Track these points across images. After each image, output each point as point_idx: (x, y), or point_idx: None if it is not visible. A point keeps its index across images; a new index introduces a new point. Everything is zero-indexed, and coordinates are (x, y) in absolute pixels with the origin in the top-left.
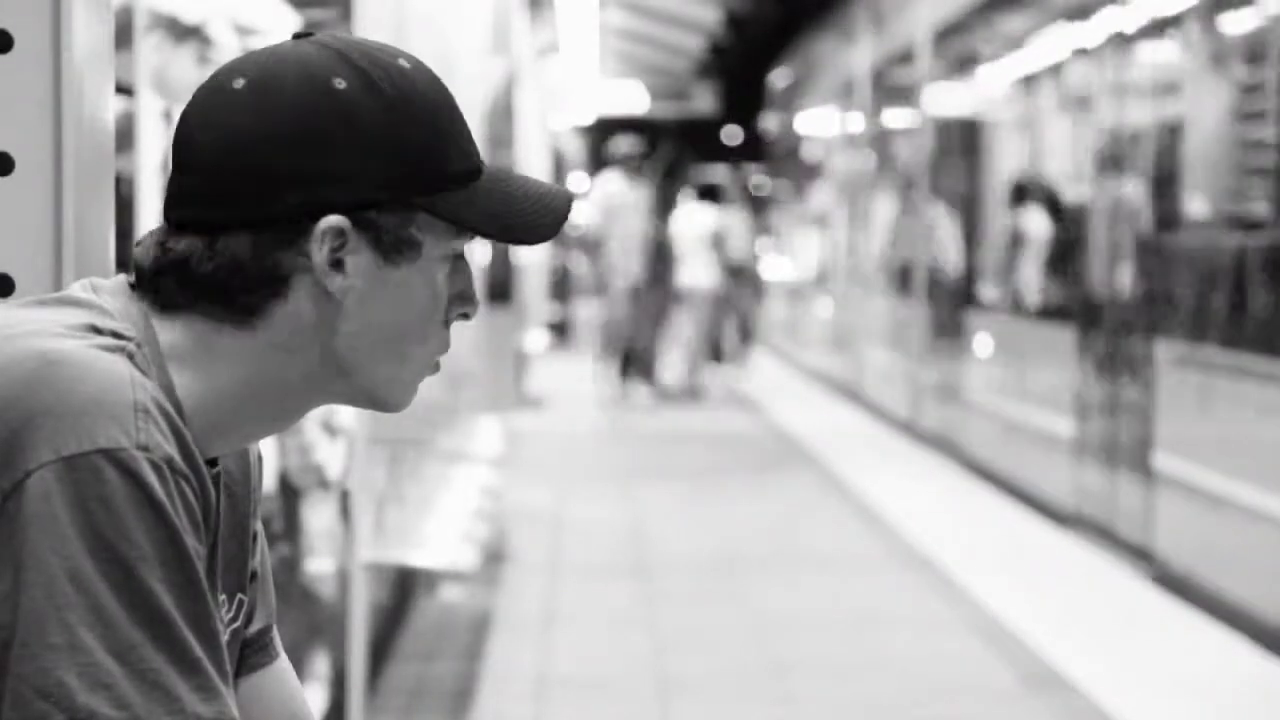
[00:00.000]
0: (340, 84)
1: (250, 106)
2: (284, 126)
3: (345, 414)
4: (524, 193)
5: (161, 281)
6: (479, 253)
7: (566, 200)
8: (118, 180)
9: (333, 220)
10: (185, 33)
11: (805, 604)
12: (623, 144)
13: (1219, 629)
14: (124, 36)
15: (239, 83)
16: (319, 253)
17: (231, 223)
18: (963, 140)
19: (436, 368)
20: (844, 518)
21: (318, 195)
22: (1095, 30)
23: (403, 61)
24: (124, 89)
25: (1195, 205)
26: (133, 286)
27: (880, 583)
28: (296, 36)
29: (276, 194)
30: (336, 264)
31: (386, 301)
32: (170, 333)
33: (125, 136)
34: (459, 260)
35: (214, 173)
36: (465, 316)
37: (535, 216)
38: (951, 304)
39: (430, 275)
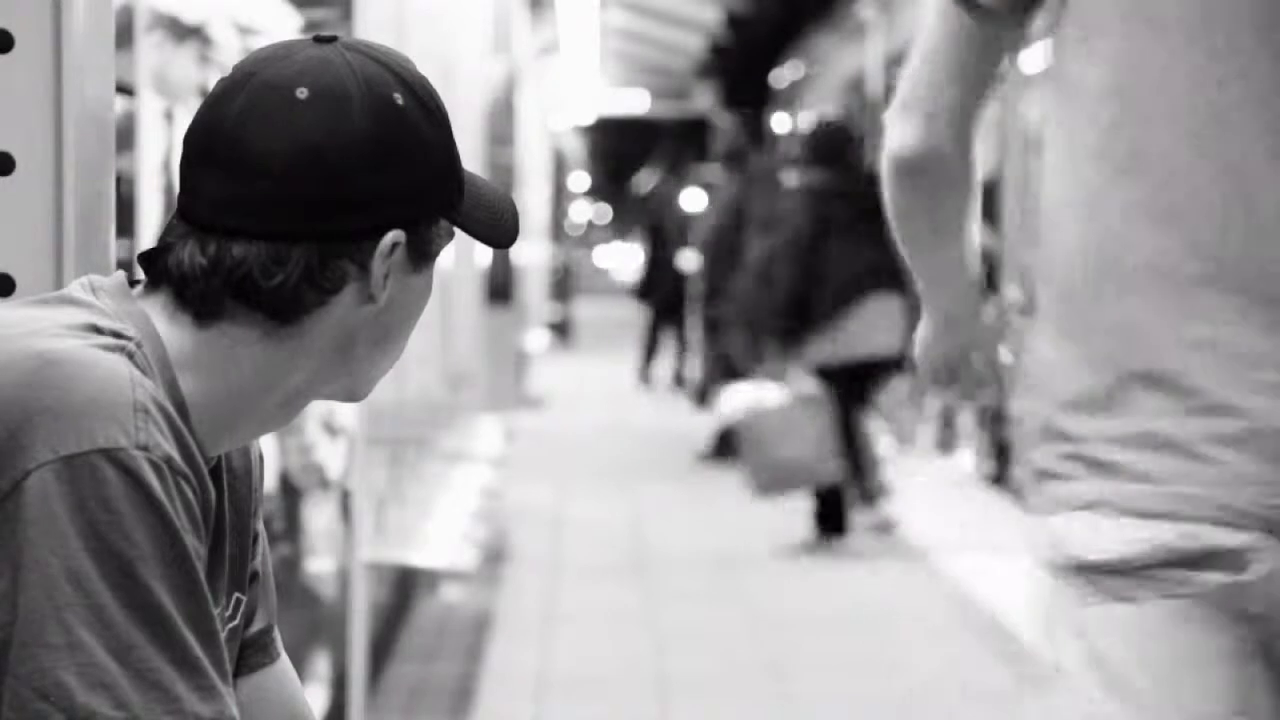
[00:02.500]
0: (400, 99)
1: (321, 118)
2: (360, 142)
3: (345, 414)
4: (493, 196)
5: (209, 288)
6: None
7: (511, 200)
8: (118, 180)
9: (398, 235)
10: (186, 32)
11: (805, 604)
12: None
13: None
14: (124, 36)
15: (302, 92)
16: (380, 265)
17: (302, 234)
18: None
19: None
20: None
21: (388, 210)
22: None
23: (419, 70)
24: (124, 89)
25: None
26: (133, 284)
27: (880, 583)
28: (319, 39)
29: (352, 208)
30: (384, 274)
31: (405, 305)
32: (181, 333)
33: (125, 136)
34: None
35: (286, 183)
36: None
37: (508, 219)
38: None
39: (430, 277)
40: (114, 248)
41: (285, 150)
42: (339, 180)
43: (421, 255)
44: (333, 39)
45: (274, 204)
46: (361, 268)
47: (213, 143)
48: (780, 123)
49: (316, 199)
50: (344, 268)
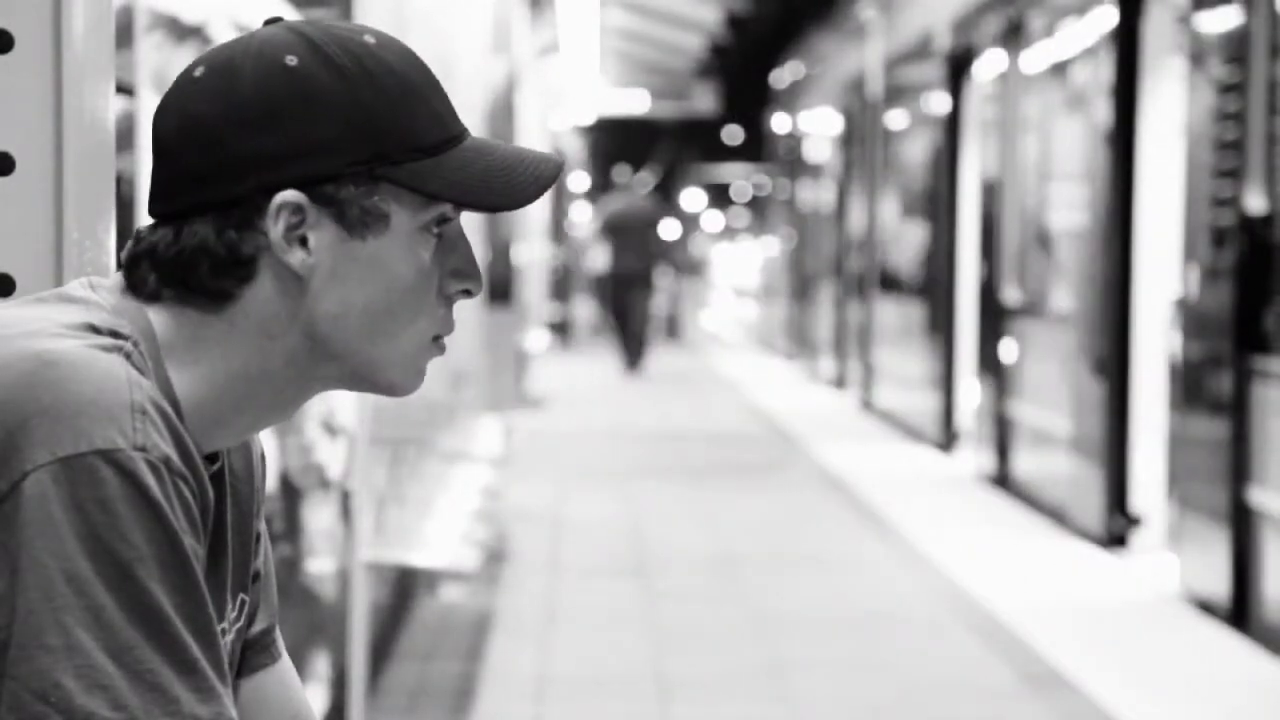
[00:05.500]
0: (293, 60)
1: (208, 92)
2: (237, 108)
3: (345, 414)
4: (503, 160)
5: (136, 272)
6: (478, 253)
7: (553, 167)
8: (118, 180)
9: (287, 196)
10: (186, 33)
11: (805, 604)
12: None
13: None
14: (124, 36)
15: (199, 71)
16: (274, 229)
17: (196, 209)
18: None
19: (442, 349)
20: (844, 517)
21: (274, 173)
22: None
23: (367, 37)
24: (124, 89)
25: None
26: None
27: (880, 582)
28: (267, 23)
29: (235, 175)
30: (302, 241)
31: (360, 277)
32: (162, 326)
33: (125, 136)
34: (452, 235)
35: (176, 161)
36: (467, 294)
37: (507, 183)
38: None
39: (408, 248)
40: (114, 248)
41: (174, 128)
42: (216, 147)
43: (356, 220)
44: (277, 20)
45: (167, 182)
46: (269, 236)
47: (150, 139)
48: (780, 123)
49: (199, 170)
50: (244, 236)
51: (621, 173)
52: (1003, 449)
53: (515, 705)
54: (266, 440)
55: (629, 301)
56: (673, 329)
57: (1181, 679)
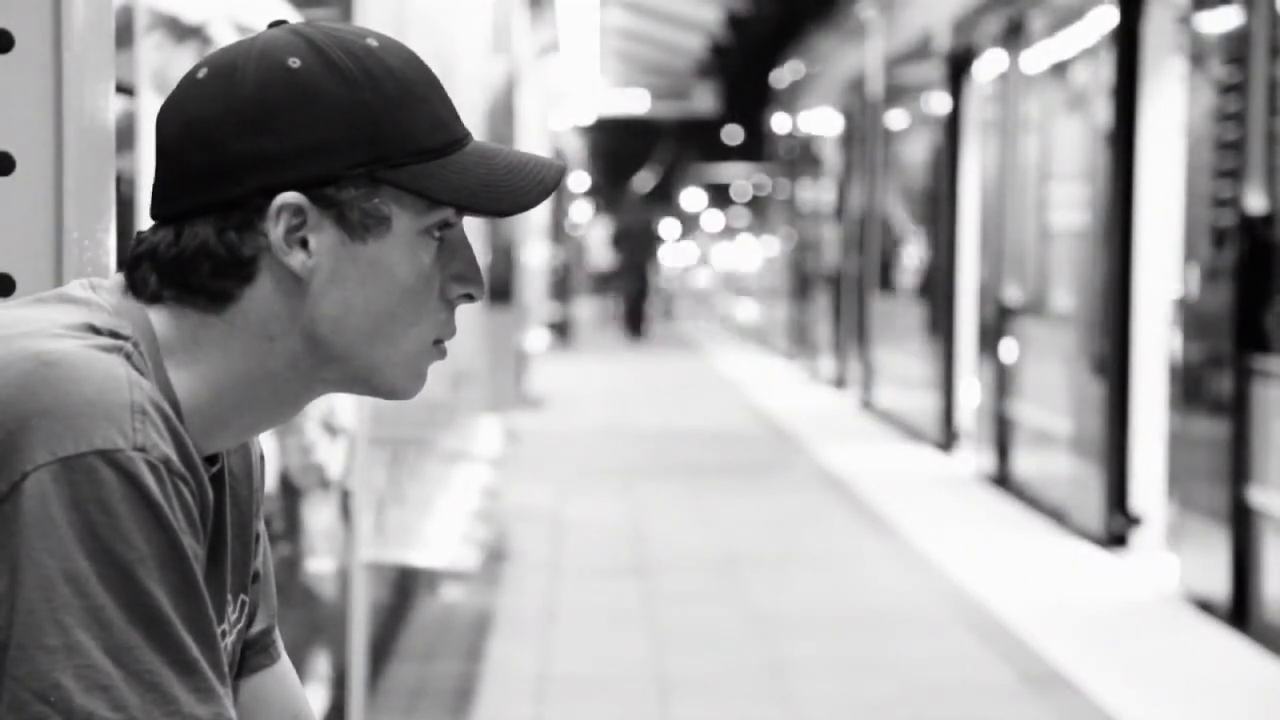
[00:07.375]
0: (295, 63)
1: (210, 93)
2: (238, 109)
3: (346, 414)
4: (506, 165)
5: (136, 273)
6: (479, 253)
7: (556, 172)
8: (118, 180)
9: (288, 197)
10: (186, 33)
11: (805, 604)
12: None
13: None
14: (124, 36)
15: (202, 72)
16: (275, 231)
17: (196, 210)
18: None
19: (443, 353)
20: (844, 517)
21: (275, 174)
22: None
23: (370, 40)
24: (124, 89)
25: None
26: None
27: (880, 582)
28: (271, 26)
29: (235, 177)
30: (303, 243)
31: (360, 280)
32: (162, 327)
33: (125, 136)
34: (455, 239)
35: (178, 162)
36: (469, 298)
37: (509, 188)
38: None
39: (409, 251)
40: (114, 248)
41: (176, 129)
42: (218, 148)
43: (356, 222)
44: (281, 23)
45: (169, 183)
46: (269, 238)
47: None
48: (780, 123)
49: (200, 171)
50: (245, 237)
51: (629, 186)
52: (1003, 449)
53: (515, 705)
54: (266, 440)
55: (632, 287)
56: (667, 311)
57: (1181, 679)
